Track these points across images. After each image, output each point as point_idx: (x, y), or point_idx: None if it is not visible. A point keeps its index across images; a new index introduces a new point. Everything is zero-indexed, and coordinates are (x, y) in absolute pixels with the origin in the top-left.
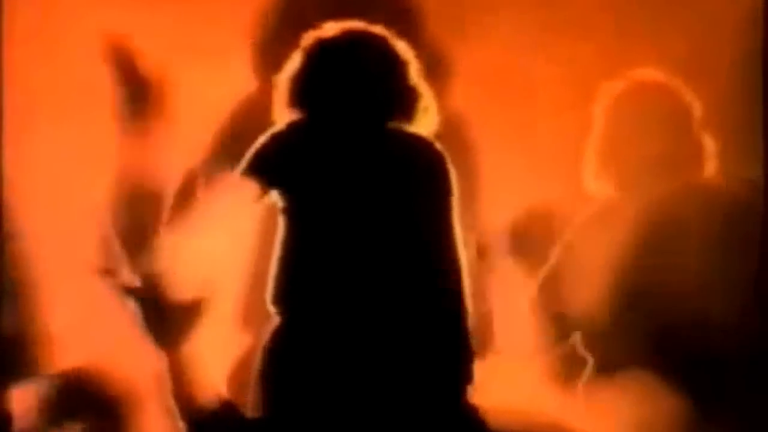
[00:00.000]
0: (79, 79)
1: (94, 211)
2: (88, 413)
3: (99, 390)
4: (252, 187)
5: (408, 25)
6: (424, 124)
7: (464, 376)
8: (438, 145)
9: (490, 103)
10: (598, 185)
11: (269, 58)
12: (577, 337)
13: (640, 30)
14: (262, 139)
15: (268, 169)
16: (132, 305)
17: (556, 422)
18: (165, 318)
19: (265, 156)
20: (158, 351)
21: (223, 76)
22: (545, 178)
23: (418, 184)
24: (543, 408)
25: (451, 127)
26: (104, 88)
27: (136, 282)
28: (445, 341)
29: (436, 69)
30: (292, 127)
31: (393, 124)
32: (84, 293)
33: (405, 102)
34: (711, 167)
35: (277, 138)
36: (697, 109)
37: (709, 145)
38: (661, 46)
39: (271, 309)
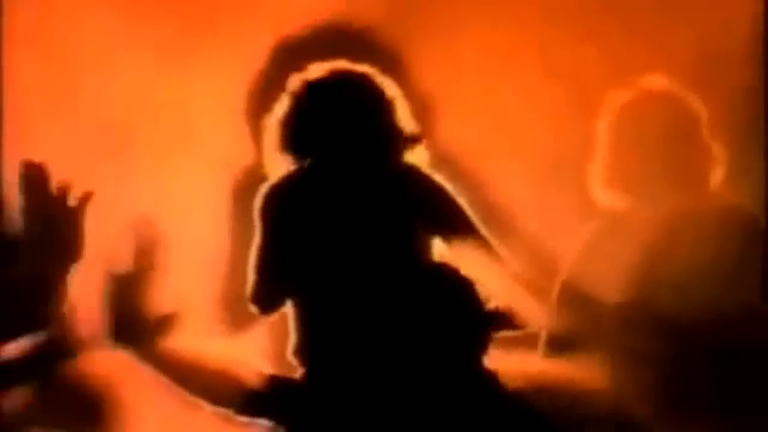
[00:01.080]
0: (79, 80)
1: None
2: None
3: (85, 392)
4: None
5: (394, 62)
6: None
7: (479, 347)
8: (435, 175)
9: (492, 117)
10: (606, 195)
11: (257, 102)
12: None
13: (646, 37)
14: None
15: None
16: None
17: (568, 380)
18: (135, 317)
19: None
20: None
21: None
22: (553, 188)
23: (418, 217)
24: None
25: (451, 153)
26: (103, 89)
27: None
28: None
29: (426, 102)
30: (282, 189)
31: (384, 162)
32: (84, 292)
33: (393, 141)
34: (719, 175)
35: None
36: (705, 116)
37: (717, 152)
38: (667, 53)
39: (292, 360)
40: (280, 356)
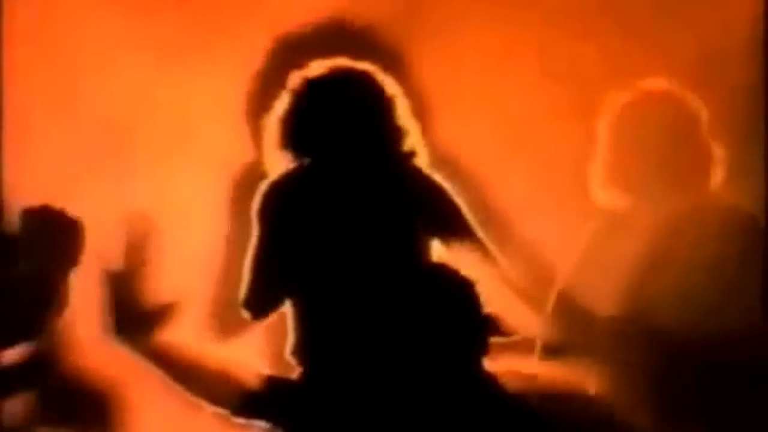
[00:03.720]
0: (79, 80)
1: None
2: (77, 414)
3: (89, 391)
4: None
5: (394, 59)
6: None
7: (479, 349)
8: (434, 175)
9: (493, 118)
10: (606, 195)
11: (257, 100)
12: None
13: (646, 39)
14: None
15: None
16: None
17: (565, 383)
18: (132, 311)
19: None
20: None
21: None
22: (553, 189)
23: (417, 217)
24: None
25: (450, 153)
26: (103, 88)
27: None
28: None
29: (426, 101)
30: (282, 188)
31: (385, 160)
32: (84, 291)
33: (392, 139)
34: (718, 176)
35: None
36: (705, 117)
37: (717, 153)
38: (667, 53)
39: (291, 360)
40: (278, 356)
